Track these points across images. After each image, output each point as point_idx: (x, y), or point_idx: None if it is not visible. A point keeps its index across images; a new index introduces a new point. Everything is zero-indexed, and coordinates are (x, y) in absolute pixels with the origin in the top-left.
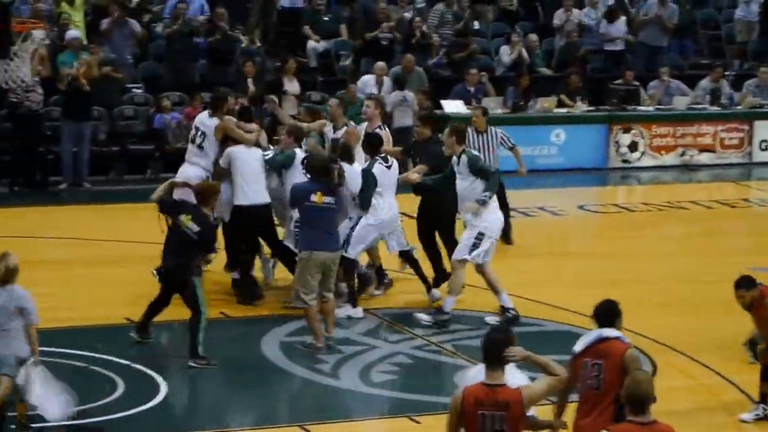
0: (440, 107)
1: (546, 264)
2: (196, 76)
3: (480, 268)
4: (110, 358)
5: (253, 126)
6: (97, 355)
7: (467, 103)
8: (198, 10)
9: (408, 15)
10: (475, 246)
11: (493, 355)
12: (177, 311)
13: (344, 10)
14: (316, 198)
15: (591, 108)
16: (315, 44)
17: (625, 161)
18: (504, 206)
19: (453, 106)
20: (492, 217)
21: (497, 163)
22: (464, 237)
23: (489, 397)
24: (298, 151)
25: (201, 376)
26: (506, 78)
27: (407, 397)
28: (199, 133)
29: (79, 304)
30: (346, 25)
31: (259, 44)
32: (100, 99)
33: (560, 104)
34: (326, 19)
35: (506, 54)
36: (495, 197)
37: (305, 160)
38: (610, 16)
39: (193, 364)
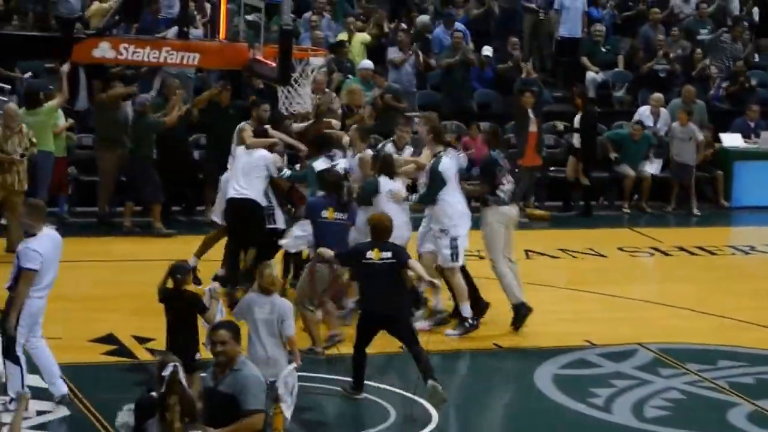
0: (719, 141)
1: None
2: (474, 104)
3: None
4: (381, 385)
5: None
6: (369, 383)
7: (746, 137)
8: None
9: (687, 47)
10: (454, 253)
11: None
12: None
13: (622, 41)
14: (327, 214)
15: None
16: (594, 75)
17: None
18: None
19: (732, 140)
20: (457, 215)
21: None
22: (441, 246)
23: None
24: (317, 164)
25: (473, 407)
26: None
27: None
28: None
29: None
30: (623, 56)
31: (533, 74)
32: (383, 127)
33: None
34: (604, 50)
35: None
36: (462, 200)
37: (319, 176)
38: None
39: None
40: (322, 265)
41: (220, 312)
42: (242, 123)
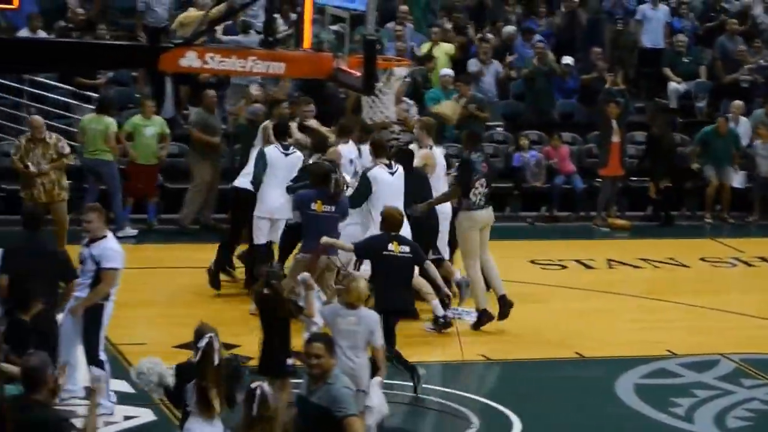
0: None
1: None
2: (556, 114)
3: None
4: (464, 393)
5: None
6: (452, 391)
7: None
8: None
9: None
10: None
11: None
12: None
13: (704, 52)
14: (316, 206)
15: None
16: (676, 86)
17: None
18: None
19: None
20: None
21: None
22: None
23: None
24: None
25: (554, 415)
26: None
27: None
28: None
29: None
30: (705, 67)
31: (619, 84)
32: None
33: None
34: (686, 60)
35: None
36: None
37: (307, 168)
38: None
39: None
40: (306, 255)
41: (317, 299)
42: (265, 122)
